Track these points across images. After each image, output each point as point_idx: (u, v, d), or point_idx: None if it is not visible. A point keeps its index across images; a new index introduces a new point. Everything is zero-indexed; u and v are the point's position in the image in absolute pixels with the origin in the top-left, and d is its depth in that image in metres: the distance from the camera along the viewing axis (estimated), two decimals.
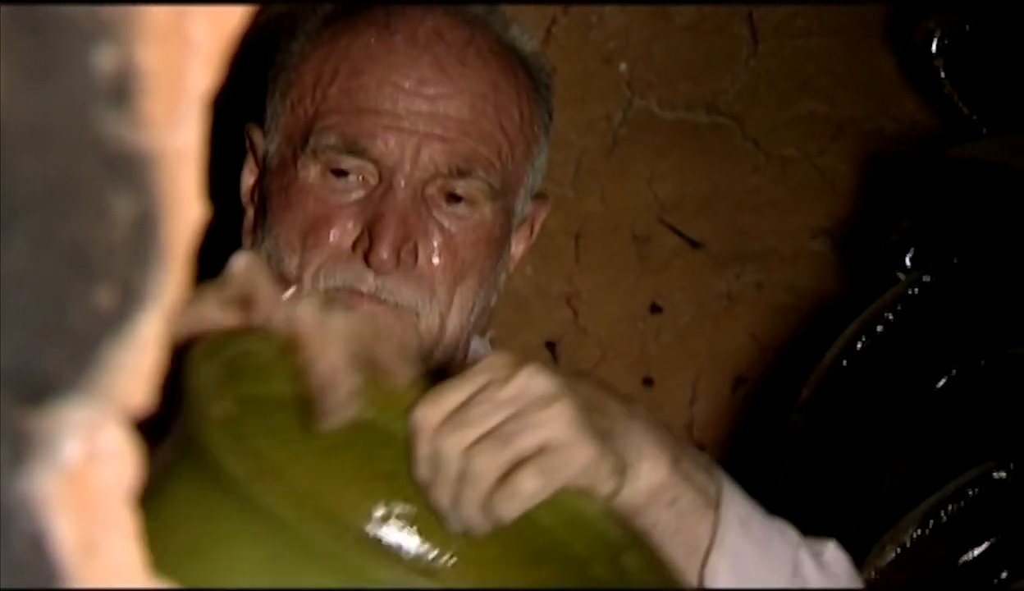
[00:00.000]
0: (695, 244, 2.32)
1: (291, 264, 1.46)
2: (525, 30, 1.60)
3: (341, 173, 1.45)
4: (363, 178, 1.45)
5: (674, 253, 2.32)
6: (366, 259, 1.44)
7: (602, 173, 2.26)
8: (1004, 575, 1.83)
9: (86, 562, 0.37)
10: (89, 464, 0.38)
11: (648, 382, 2.35)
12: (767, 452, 2.12)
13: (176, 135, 0.42)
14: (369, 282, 1.44)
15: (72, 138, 0.38)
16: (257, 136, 1.53)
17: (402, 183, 1.44)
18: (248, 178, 1.55)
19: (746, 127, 2.29)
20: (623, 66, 2.21)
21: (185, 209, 0.42)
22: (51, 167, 0.38)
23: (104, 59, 0.39)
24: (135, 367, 0.39)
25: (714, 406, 2.38)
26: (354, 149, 1.45)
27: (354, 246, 1.45)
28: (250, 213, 1.54)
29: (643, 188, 2.28)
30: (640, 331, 2.34)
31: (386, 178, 1.44)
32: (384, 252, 1.42)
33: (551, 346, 2.30)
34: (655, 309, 2.33)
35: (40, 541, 0.36)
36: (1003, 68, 2.06)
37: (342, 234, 1.45)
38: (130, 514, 0.40)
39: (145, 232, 0.40)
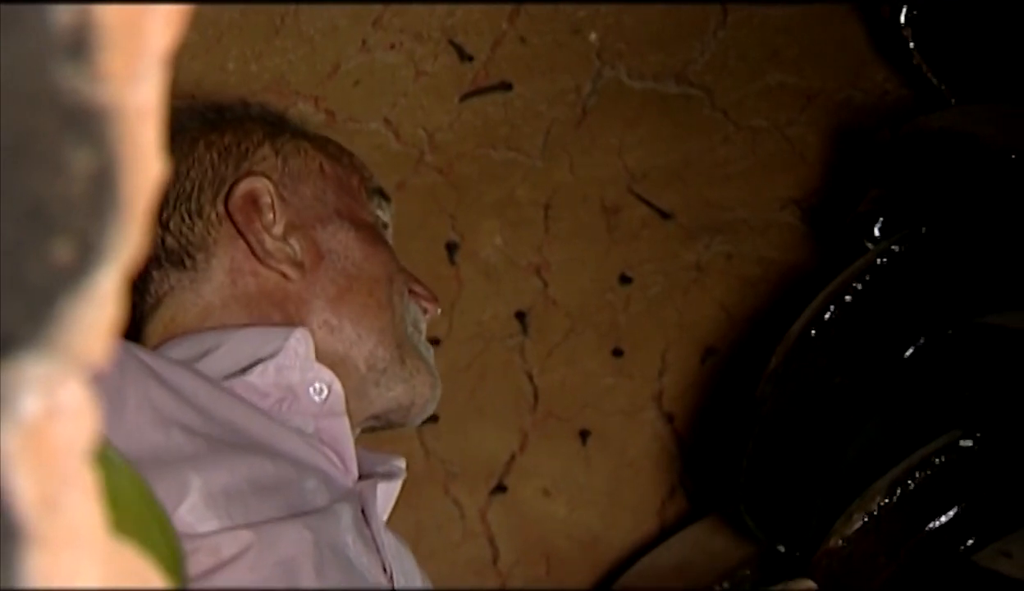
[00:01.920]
0: (665, 215, 2.32)
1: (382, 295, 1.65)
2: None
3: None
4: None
5: (643, 224, 2.32)
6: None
7: (571, 143, 2.25)
8: (970, 542, 1.84)
9: (46, 518, 0.37)
10: (49, 419, 0.37)
11: (617, 353, 2.36)
12: (736, 422, 2.12)
13: (135, 91, 0.42)
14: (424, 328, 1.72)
15: (29, 92, 0.38)
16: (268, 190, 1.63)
17: None
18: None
19: (716, 97, 2.29)
20: (593, 36, 2.21)
21: (145, 165, 0.41)
22: (8, 121, 0.38)
23: (62, 14, 0.39)
24: (94, 322, 0.38)
25: (683, 376, 2.38)
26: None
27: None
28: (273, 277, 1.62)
29: (613, 158, 2.28)
30: (610, 302, 2.34)
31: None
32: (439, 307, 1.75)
33: (520, 316, 2.30)
34: (624, 280, 2.34)
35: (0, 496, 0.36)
36: (971, 38, 2.06)
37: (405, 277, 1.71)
38: (90, 470, 0.40)
39: (104, 187, 0.39)
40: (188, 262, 1.60)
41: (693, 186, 2.31)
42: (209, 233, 1.60)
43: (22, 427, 0.37)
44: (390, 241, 1.74)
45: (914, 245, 1.97)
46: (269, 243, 1.59)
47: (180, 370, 1.46)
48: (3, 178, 0.37)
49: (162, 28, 0.44)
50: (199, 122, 1.70)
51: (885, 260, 1.97)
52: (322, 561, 1.40)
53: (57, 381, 0.38)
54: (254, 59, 2.03)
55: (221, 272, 1.60)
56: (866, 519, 1.85)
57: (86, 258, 0.39)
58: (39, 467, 0.37)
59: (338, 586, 1.42)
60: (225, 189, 1.61)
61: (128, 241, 0.40)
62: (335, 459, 1.54)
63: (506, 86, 2.20)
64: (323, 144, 1.74)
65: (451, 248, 2.25)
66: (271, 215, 1.60)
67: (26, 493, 0.36)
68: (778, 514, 2.04)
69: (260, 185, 1.61)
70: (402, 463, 1.65)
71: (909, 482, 1.85)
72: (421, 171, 2.19)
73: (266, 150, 1.67)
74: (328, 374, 1.55)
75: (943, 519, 1.85)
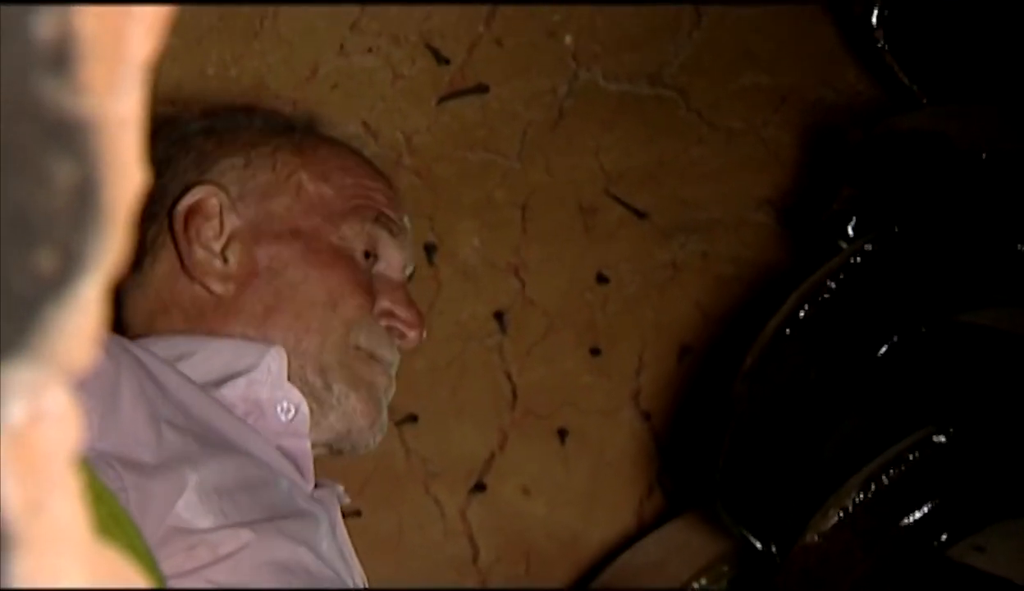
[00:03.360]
0: (640, 215, 2.32)
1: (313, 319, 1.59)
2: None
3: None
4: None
5: (620, 224, 2.32)
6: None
7: (548, 145, 2.26)
8: (944, 538, 1.85)
9: (31, 521, 0.37)
10: (33, 425, 0.38)
11: (595, 352, 2.36)
12: (712, 420, 2.13)
13: (117, 102, 0.42)
14: (392, 355, 1.68)
15: (11, 104, 0.39)
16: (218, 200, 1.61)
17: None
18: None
19: (690, 99, 2.29)
20: (568, 39, 2.21)
21: (126, 175, 0.42)
22: None
23: (43, 26, 0.39)
24: (77, 330, 0.39)
25: (660, 375, 2.38)
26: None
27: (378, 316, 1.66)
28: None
29: (589, 159, 2.28)
30: (587, 301, 2.34)
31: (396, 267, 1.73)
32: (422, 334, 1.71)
33: (499, 316, 2.30)
34: (601, 279, 2.34)
35: None
36: (942, 38, 2.07)
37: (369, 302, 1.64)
38: (75, 475, 0.40)
39: (86, 198, 0.40)
40: (138, 264, 1.60)
41: (668, 186, 2.31)
42: (157, 238, 1.61)
43: (8, 432, 0.37)
44: (394, 269, 1.73)
45: (887, 244, 1.97)
46: (198, 254, 1.58)
47: (165, 367, 1.46)
48: None
49: (143, 36, 0.44)
50: (195, 127, 1.70)
51: (858, 259, 1.97)
52: (314, 562, 1.41)
53: (42, 387, 0.38)
54: (233, 63, 2.03)
55: (159, 278, 1.60)
56: (841, 515, 1.85)
57: (69, 268, 0.39)
58: (24, 472, 0.37)
59: (330, 586, 1.43)
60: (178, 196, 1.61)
61: (110, 250, 0.41)
62: (296, 471, 1.54)
63: (483, 88, 2.20)
64: (329, 159, 1.72)
65: (429, 249, 2.25)
66: (216, 226, 1.59)
67: (12, 497, 0.37)
68: (754, 510, 2.05)
69: (206, 195, 1.60)
70: (342, 488, 1.65)
71: (883, 478, 1.85)
72: (399, 173, 2.18)
73: (236, 160, 1.65)
74: (297, 395, 1.55)
75: (917, 514, 1.86)
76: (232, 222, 1.60)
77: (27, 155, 0.38)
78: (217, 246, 1.59)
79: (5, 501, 0.37)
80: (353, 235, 1.67)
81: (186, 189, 1.61)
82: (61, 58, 0.40)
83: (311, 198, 1.65)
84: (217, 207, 1.59)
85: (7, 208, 0.38)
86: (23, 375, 0.38)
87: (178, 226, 1.59)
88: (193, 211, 1.59)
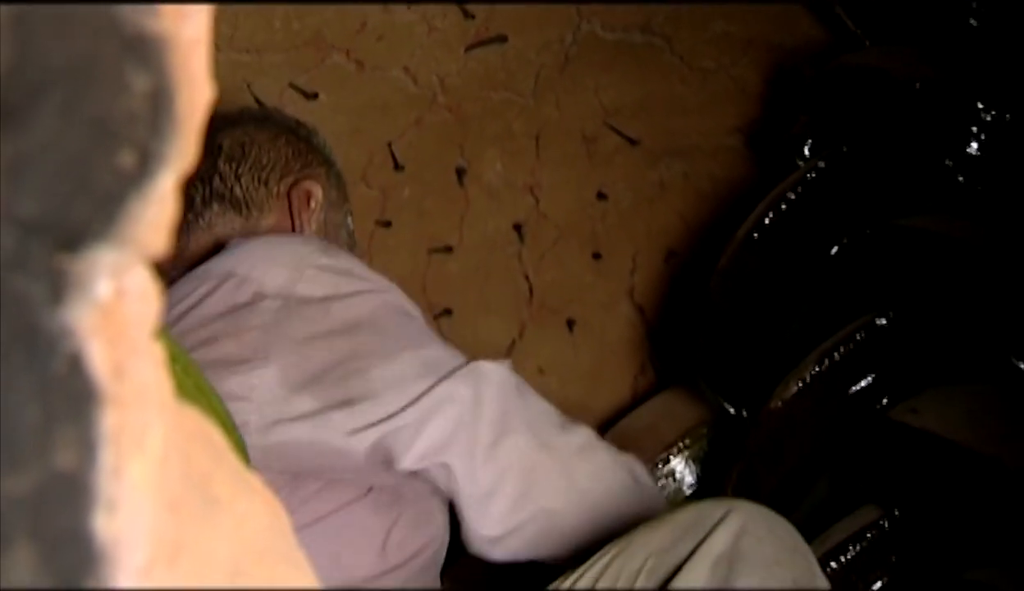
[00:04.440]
0: (633, 142, 2.30)
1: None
2: None
3: None
4: None
5: (616, 150, 2.30)
6: None
7: (557, 85, 2.24)
8: (884, 402, 1.84)
9: (116, 382, 0.35)
10: (118, 300, 0.36)
11: (597, 256, 2.34)
12: (693, 310, 2.12)
13: (187, 24, 0.40)
14: None
15: (94, 22, 0.36)
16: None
17: None
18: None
19: (673, 45, 2.27)
20: None
21: (196, 87, 0.40)
22: (76, 48, 0.36)
23: None
24: (154, 218, 0.37)
25: (651, 275, 2.37)
26: None
27: None
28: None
29: (590, 97, 2.26)
30: (589, 215, 2.33)
31: None
32: None
33: (518, 228, 2.29)
34: (601, 196, 2.32)
35: (78, 364, 0.35)
36: None
37: None
38: (156, 343, 0.38)
39: (161, 104, 0.37)
40: (245, 212, 1.64)
41: (656, 118, 2.30)
42: (267, 200, 1.64)
43: (96, 306, 0.35)
44: None
45: (837, 162, 1.96)
46: (304, 229, 1.64)
47: None
48: (72, 97, 0.36)
49: None
50: (284, 123, 1.74)
51: (813, 175, 1.96)
52: None
53: (125, 268, 0.36)
54: (296, 18, 2.01)
55: (265, 229, 1.63)
56: (800, 385, 1.84)
57: (147, 165, 0.37)
58: (111, 340, 0.35)
59: None
60: (291, 178, 1.66)
61: (183, 152, 0.38)
62: None
63: (502, 39, 2.17)
64: (347, 198, 1.77)
65: (460, 173, 2.23)
66: (312, 214, 1.65)
67: (100, 361, 0.35)
68: (729, 382, 2.04)
69: (318, 192, 1.67)
70: None
71: (835, 354, 1.84)
72: (434, 110, 2.17)
73: (323, 173, 1.71)
74: None
75: (862, 383, 1.85)
76: (317, 217, 1.67)
77: (108, 66, 0.36)
78: (313, 227, 1.65)
79: (95, 365, 0.35)
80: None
81: (301, 178, 1.67)
82: None
83: (348, 227, 1.74)
84: (321, 200, 1.67)
85: (91, 113, 0.36)
86: (109, 257, 0.36)
87: (295, 203, 1.65)
88: (306, 196, 1.66)
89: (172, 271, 1.52)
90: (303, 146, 1.71)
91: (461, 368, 1.42)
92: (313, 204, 1.65)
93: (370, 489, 1.42)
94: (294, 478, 1.37)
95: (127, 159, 0.36)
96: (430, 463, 1.37)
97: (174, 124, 0.38)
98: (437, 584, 1.55)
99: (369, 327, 1.40)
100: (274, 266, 1.40)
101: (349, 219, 1.74)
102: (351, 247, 1.72)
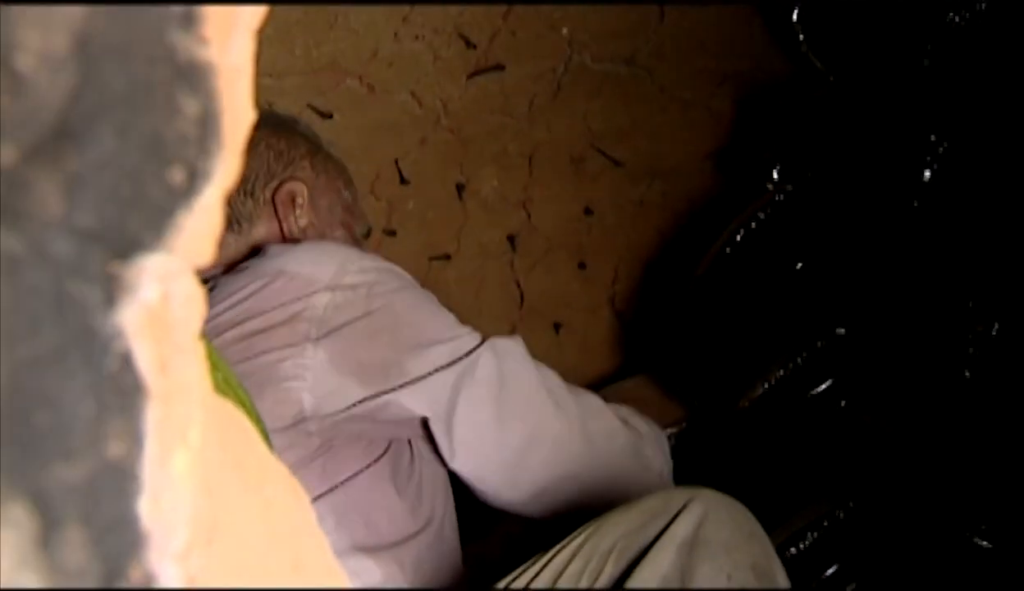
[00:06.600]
0: (617, 163, 2.30)
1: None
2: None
3: None
4: None
5: (602, 170, 2.30)
6: None
7: (549, 110, 2.24)
8: (843, 403, 1.84)
9: (162, 377, 0.35)
10: (165, 303, 0.36)
11: (582, 266, 2.35)
12: (669, 317, 2.12)
13: (231, 54, 0.39)
14: None
15: (150, 52, 0.36)
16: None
17: None
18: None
19: (656, 77, 2.27)
20: (565, 30, 2.18)
21: (240, 111, 0.39)
22: (133, 74, 0.36)
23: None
24: (201, 229, 0.37)
25: (631, 284, 2.37)
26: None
27: None
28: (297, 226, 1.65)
29: (579, 122, 2.26)
30: (576, 228, 2.33)
31: None
32: None
33: (511, 239, 2.28)
34: (588, 212, 2.32)
35: (128, 360, 0.35)
36: (844, 34, 2.04)
37: None
38: (198, 342, 0.38)
39: (208, 126, 0.37)
40: (237, 228, 1.63)
41: (639, 142, 2.30)
42: (255, 210, 1.63)
43: (145, 309, 0.35)
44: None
45: (803, 186, 1.96)
46: (292, 230, 1.62)
47: None
48: (128, 119, 0.35)
49: (252, 9, 0.42)
50: (263, 126, 1.68)
51: (781, 197, 1.96)
52: None
53: (173, 274, 0.36)
54: (315, 47, 2.01)
55: (256, 239, 1.63)
56: (766, 386, 1.85)
57: (195, 181, 0.37)
58: (157, 339, 0.35)
59: None
60: (274, 183, 1.64)
61: (227, 169, 0.38)
62: None
63: (500, 68, 2.17)
64: (342, 170, 1.74)
65: (459, 188, 2.22)
66: (299, 212, 1.63)
67: (148, 358, 0.35)
68: (700, 382, 2.04)
69: (300, 189, 1.64)
70: None
71: (798, 359, 1.85)
72: (438, 131, 2.17)
73: (307, 164, 1.68)
74: None
75: (823, 386, 1.85)
76: (308, 211, 1.65)
77: (161, 91, 0.36)
78: (303, 224, 1.63)
79: (142, 362, 0.35)
80: (360, 224, 1.74)
81: (283, 181, 1.64)
82: (190, 18, 0.37)
83: (346, 198, 1.70)
84: (303, 200, 1.64)
85: (145, 133, 0.36)
86: (158, 265, 0.36)
87: (280, 208, 1.63)
88: (289, 198, 1.63)
89: None
90: (283, 144, 1.68)
91: (481, 344, 1.46)
92: (300, 201, 1.63)
93: (388, 447, 1.47)
94: (329, 448, 1.41)
95: (177, 176, 0.36)
96: (462, 431, 1.42)
97: (220, 144, 0.38)
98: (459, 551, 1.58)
99: (407, 318, 1.43)
100: (321, 264, 1.42)
101: (346, 192, 1.71)
102: (353, 214, 1.71)
